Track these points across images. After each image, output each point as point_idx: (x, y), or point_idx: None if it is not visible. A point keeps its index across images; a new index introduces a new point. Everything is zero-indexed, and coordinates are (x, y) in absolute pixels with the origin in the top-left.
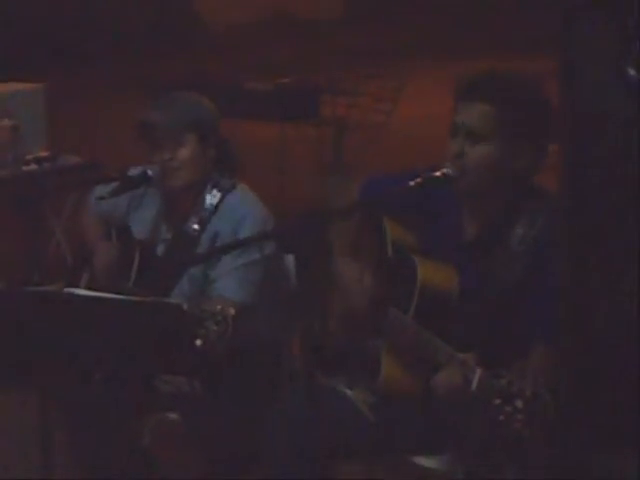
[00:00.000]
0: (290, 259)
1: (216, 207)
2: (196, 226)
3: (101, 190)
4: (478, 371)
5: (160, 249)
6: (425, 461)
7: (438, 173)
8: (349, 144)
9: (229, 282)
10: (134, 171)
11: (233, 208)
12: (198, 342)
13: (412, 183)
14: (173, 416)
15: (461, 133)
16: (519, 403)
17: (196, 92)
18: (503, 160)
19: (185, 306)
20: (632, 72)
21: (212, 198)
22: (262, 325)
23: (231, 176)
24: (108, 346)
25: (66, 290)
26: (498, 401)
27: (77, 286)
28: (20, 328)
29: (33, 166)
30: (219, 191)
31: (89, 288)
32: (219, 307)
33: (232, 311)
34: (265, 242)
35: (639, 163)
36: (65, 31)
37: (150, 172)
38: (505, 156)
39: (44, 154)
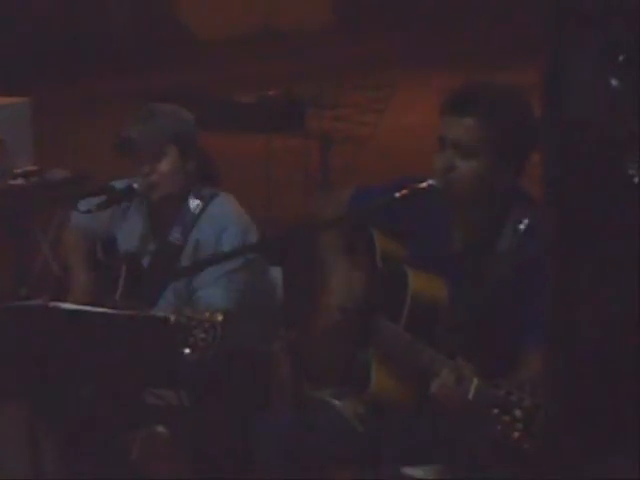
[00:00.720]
0: (277, 271)
1: (198, 216)
2: (179, 236)
3: (87, 204)
4: (475, 380)
5: (146, 261)
6: (415, 472)
7: (424, 184)
8: (336, 156)
9: (214, 290)
10: (119, 184)
11: (215, 216)
12: (187, 351)
13: (398, 194)
14: (161, 429)
15: (449, 147)
16: (518, 413)
17: (183, 105)
18: (492, 173)
19: (172, 318)
20: (615, 83)
21: (194, 207)
22: (249, 336)
23: (212, 185)
24: (95, 360)
25: (52, 304)
26: (496, 411)
27: (65, 300)
28: (7, 342)
29: (20, 180)
30: (201, 200)
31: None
32: (207, 314)
33: (220, 317)
34: (249, 253)
35: (623, 172)
36: (51, 45)
37: (135, 185)
38: (494, 169)
39: (31, 168)
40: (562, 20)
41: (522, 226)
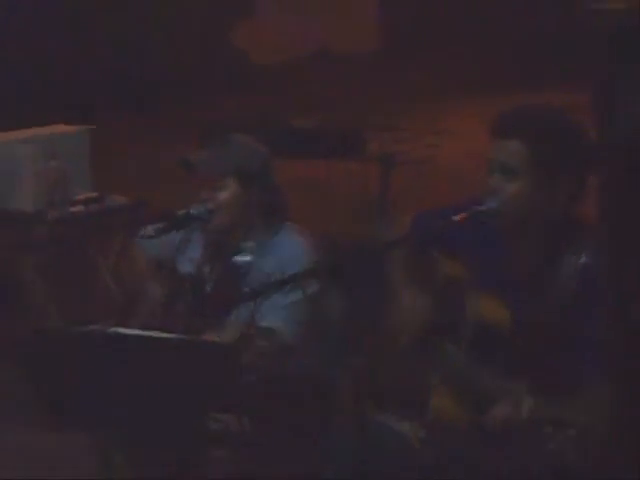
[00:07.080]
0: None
1: (264, 247)
2: (243, 265)
3: (148, 230)
4: (528, 399)
5: (209, 287)
6: None
7: (483, 207)
8: (396, 179)
9: (275, 322)
10: (181, 211)
11: (281, 247)
12: None
13: (457, 217)
14: (222, 453)
15: (496, 170)
16: (571, 432)
17: (242, 131)
18: (539, 194)
19: (234, 345)
20: None
21: (260, 238)
22: (312, 360)
23: (279, 220)
24: (156, 384)
25: (112, 329)
26: (549, 429)
27: (127, 326)
28: (70, 367)
29: (80, 207)
30: (266, 232)
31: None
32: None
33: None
34: (311, 279)
35: None
36: (111, 73)
37: (194, 212)
38: (540, 190)
39: (91, 195)
40: (615, 37)
41: (581, 260)
